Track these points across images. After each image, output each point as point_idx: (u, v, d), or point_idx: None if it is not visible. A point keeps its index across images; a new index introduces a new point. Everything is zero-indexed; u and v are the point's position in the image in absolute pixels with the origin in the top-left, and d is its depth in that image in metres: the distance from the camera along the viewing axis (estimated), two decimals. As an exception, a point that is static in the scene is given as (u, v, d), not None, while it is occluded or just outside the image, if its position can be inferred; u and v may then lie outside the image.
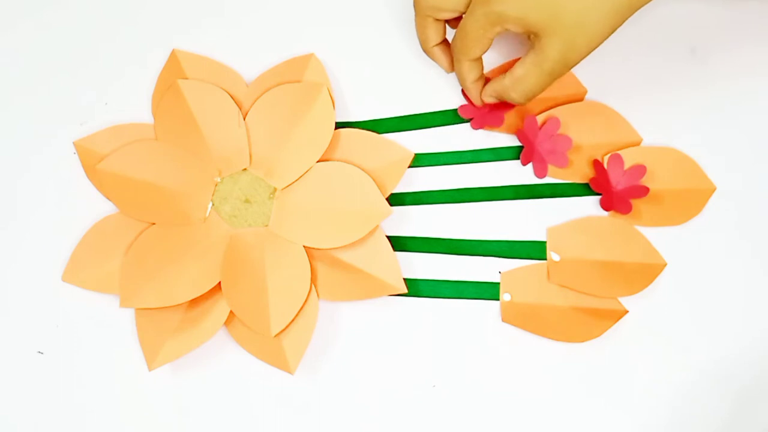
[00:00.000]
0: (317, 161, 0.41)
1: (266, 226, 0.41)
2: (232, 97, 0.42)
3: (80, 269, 0.41)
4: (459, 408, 0.40)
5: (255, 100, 0.42)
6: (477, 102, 0.42)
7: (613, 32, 0.36)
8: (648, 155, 0.42)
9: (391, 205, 0.41)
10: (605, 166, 0.41)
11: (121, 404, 0.40)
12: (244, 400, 0.40)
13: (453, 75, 0.43)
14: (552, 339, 0.40)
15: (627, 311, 0.40)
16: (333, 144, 0.41)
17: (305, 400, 0.40)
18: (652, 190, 0.41)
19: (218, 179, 0.42)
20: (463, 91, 0.43)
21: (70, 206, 0.42)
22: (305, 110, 0.42)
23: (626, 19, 0.36)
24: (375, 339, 0.41)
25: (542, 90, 0.38)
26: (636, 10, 0.36)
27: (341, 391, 0.40)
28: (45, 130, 0.44)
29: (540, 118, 0.42)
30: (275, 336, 0.39)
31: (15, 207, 0.43)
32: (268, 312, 0.39)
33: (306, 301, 0.39)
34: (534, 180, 0.42)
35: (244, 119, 0.42)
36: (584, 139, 0.42)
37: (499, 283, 0.41)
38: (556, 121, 0.42)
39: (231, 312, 0.40)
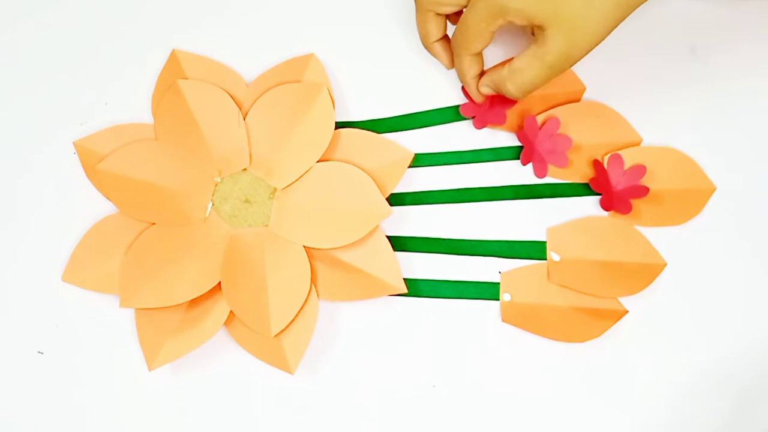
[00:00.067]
0: (317, 161, 0.41)
1: (266, 226, 0.41)
2: (232, 97, 0.42)
3: (80, 269, 0.41)
4: (459, 408, 0.40)
5: (255, 100, 0.42)
6: (476, 98, 0.41)
7: (615, 26, 0.36)
8: (648, 155, 0.42)
9: (391, 205, 0.41)
10: (605, 166, 0.41)
11: (121, 404, 0.40)
12: (244, 400, 0.40)
13: (453, 73, 0.43)
14: (552, 339, 0.40)
15: (627, 311, 0.40)
16: (333, 144, 0.41)
17: (305, 400, 0.40)
18: (652, 190, 0.41)
19: (218, 179, 0.42)
20: (463, 88, 0.43)
21: (70, 206, 0.42)
22: (305, 110, 0.42)
23: (628, 14, 0.36)
24: (375, 339, 0.41)
25: (540, 84, 0.38)
26: (638, 6, 0.36)
27: (341, 391, 0.40)
28: (45, 130, 0.44)
29: (540, 118, 0.42)
30: (275, 336, 0.39)
31: (15, 207, 0.43)
32: (268, 312, 0.39)
33: (306, 301, 0.39)
34: (534, 180, 0.42)
35: (244, 119, 0.42)
36: (584, 139, 0.42)
37: (499, 283, 0.41)
38: (556, 121, 0.42)
39: (231, 312, 0.40)
